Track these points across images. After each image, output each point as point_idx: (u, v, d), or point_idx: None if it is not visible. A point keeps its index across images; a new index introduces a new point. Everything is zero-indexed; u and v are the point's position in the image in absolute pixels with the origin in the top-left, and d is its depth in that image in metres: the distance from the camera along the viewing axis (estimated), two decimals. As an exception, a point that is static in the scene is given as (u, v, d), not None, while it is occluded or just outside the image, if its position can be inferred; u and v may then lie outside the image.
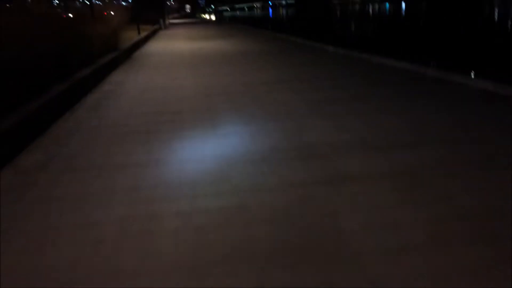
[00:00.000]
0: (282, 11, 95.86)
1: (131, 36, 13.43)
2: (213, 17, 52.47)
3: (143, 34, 15.42)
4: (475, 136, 3.15)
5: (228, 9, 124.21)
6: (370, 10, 65.41)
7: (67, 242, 1.94)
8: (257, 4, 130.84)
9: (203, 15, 60.48)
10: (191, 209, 2.20)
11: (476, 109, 3.86)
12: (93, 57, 6.88)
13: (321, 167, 2.68)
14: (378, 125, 3.52)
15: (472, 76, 6.65)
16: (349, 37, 22.96)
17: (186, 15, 61.15)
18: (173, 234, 1.97)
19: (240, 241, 1.87)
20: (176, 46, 12.39)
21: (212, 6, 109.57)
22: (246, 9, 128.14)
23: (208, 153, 3.07)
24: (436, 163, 2.64)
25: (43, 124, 3.87)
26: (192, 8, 73.09)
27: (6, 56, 3.62)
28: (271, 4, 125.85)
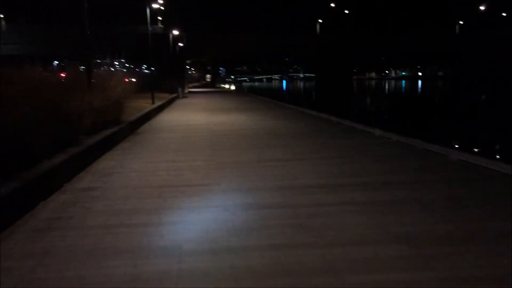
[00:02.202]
0: (300, 84, 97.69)
1: (143, 105, 12.19)
2: (232, 87, 52.84)
3: (158, 103, 14.25)
4: None
5: (247, 79, 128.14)
6: (386, 86, 65.69)
7: None
8: (275, 76, 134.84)
9: (222, 85, 61.20)
10: None
11: None
12: (80, 135, 5.29)
13: None
14: None
15: None
16: (377, 113, 21.82)
17: (206, 84, 61.96)
18: None
19: None
20: (191, 120, 10.95)
21: (232, 76, 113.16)
22: (265, 80, 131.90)
23: None
24: None
25: None
26: (212, 77, 74.50)
27: None
28: (287, 76, 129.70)
